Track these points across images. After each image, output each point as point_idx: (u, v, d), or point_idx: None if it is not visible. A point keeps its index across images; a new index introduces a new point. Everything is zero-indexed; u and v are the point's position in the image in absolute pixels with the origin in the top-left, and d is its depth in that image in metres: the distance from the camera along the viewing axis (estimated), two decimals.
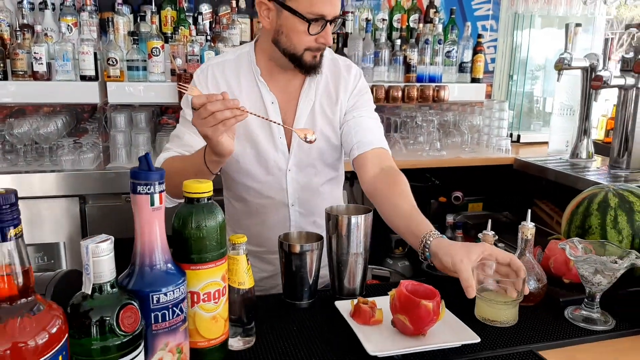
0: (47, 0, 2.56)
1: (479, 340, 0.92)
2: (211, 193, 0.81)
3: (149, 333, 0.72)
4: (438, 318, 0.92)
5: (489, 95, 3.47)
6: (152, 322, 0.72)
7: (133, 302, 0.66)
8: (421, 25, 3.06)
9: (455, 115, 3.12)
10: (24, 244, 0.56)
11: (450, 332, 0.95)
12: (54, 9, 2.59)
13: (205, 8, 2.85)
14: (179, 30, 2.67)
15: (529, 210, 1.11)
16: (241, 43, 2.86)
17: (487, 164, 2.79)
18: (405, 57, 2.98)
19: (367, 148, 1.31)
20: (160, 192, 0.72)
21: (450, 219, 2.78)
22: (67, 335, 0.59)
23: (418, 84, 2.97)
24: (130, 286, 0.72)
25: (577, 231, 1.21)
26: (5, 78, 2.44)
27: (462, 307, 1.03)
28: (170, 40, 2.68)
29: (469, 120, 3.04)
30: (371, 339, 0.92)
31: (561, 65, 2.38)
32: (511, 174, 2.75)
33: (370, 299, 1.01)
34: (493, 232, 1.19)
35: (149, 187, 0.71)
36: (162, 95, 2.54)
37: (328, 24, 1.19)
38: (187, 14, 2.81)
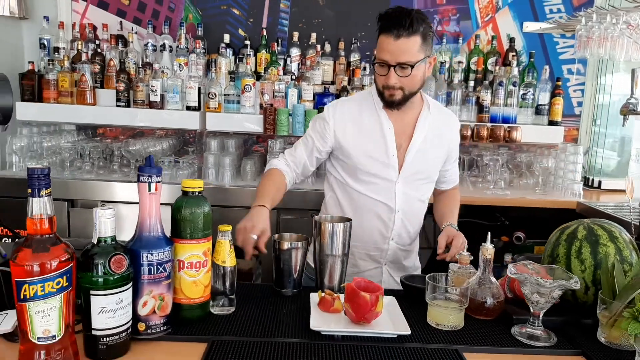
0: (166, 43, 3.13)
1: (409, 332, 1.09)
2: (201, 189, 1.10)
3: (139, 281, 1.02)
4: (376, 309, 1.10)
5: (574, 139, 3.41)
6: (141, 273, 1.02)
7: (122, 253, 0.96)
8: (497, 67, 3.16)
9: (530, 157, 3.13)
10: (50, 201, 0.89)
11: (389, 324, 1.13)
12: (171, 51, 3.15)
13: (294, 51, 3.24)
14: (269, 71, 3.08)
15: (489, 233, 1.24)
16: (323, 83, 3.20)
17: (551, 206, 2.77)
18: (478, 98, 3.10)
19: (447, 187, 1.86)
20: (157, 182, 1.03)
21: (508, 258, 2.79)
22: (71, 264, 0.90)
23: (489, 124, 3.06)
24: (129, 246, 1.02)
25: (547, 259, 1.30)
26: (128, 105, 3.01)
27: (419, 314, 1.19)
28: (261, 78, 3.10)
29: (542, 162, 3.03)
30: (320, 320, 1.13)
31: (626, 110, 2.35)
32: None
33: (336, 294, 1.22)
34: (468, 253, 1.32)
35: (148, 177, 1.02)
36: (251, 125, 2.95)
37: (391, 68, 1.49)
38: (279, 56, 3.22)
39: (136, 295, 1.02)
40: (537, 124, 3.13)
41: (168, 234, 1.08)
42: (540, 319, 1.14)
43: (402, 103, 1.58)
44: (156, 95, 3.00)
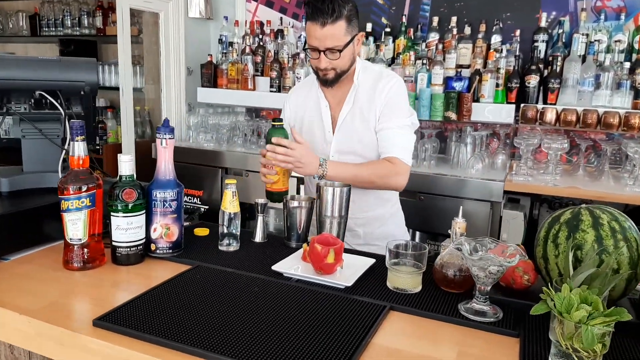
0: None
1: (348, 284, 1.20)
2: (282, 123, 1.58)
3: (151, 211, 1.36)
4: (326, 260, 1.24)
5: None
6: (152, 206, 1.35)
7: (132, 188, 1.30)
8: None
9: None
10: (84, 145, 1.27)
11: (341, 277, 1.25)
12: None
13: (432, 36, 3.27)
14: (401, 56, 3.19)
15: (461, 207, 1.23)
16: (458, 66, 3.17)
17: None
18: (633, 82, 2.70)
19: (382, 155, 1.76)
20: (167, 138, 1.34)
21: None
22: (95, 190, 1.28)
23: None
24: (148, 185, 1.36)
25: (536, 242, 1.22)
26: (279, 91, 3.47)
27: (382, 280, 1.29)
28: (392, 64, 3.23)
29: None
30: (287, 264, 1.32)
31: None
32: None
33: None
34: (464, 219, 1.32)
35: (161, 134, 1.34)
36: None
37: (321, 53, 1.63)
38: (418, 41, 3.29)
39: (150, 223, 1.37)
40: None
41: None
42: (485, 295, 1.12)
43: (335, 81, 1.71)
44: (300, 81, 3.39)
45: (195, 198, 3.59)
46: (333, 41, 1.61)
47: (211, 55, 3.70)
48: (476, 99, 2.99)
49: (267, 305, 1.12)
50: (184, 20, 3.71)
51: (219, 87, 3.65)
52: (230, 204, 1.43)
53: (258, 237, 1.55)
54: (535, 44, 2.96)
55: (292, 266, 1.32)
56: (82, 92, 1.52)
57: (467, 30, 3.21)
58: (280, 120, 1.62)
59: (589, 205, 1.16)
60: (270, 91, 3.50)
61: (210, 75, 3.68)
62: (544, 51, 2.96)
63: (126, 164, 1.31)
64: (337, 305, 1.14)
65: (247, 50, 3.59)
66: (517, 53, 3.00)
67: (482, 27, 3.13)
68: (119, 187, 1.30)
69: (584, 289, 0.93)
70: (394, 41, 3.36)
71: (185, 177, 3.51)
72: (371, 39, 3.41)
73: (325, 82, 1.73)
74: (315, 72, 1.73)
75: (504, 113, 2.91)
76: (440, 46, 3.14)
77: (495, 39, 3.13)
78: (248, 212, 3.57)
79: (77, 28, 4.14)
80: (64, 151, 1.56)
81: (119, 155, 1.32)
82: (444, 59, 3.13)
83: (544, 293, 0.94)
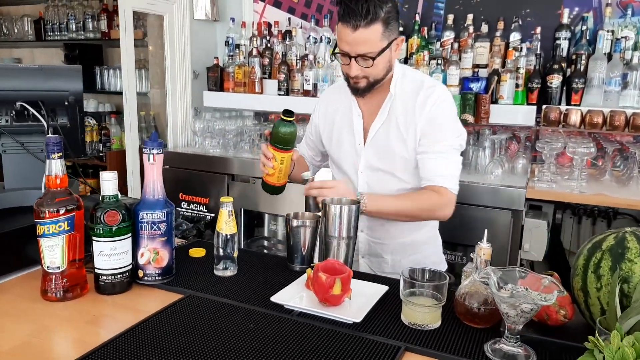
0: (324, 35, 3.34)
1: (357, 320, 1.05)
2: (292, 118, 1.43)
3: (138, 234, 1.22)
4: (332, 291, 1.09)
5: None
6: (139, 229, 1.22)
7: (116, 209, 1.17)
8: None
9: None
10: (61, 163, 1.14)
11: (349, 311, 1.10)
12: (328, 42, 3.34)
13: (447, 34, 3.11)
14: (414, 56, 3.04)
15: (486, 230, 1.08)
16: (474, 66, 3.00)
17: None
18: None
19: (425, 182, 1.54)
20: (155, 154, 1.21)
21: None
22: (74, 213, 1.15)
23: None
24: (134, 205, 1.23)
25: (574, 271, 1.06)
26: (287, 94, 3.33)
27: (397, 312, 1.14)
28: (405, 64, 3.07)
29: None
30: (288, 294, 1.17)
31: None
32: None
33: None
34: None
35: (148, 150, 1.21)
36: None
37: (352, 59, 1.42)
38: (432, 40, 3.14)
39: (137, 247, 1.23)
40: None
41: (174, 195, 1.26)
42: (516, 335, 0.96)
43: (367, 90, 1.50)
44: (309, 84, 3.25)
45: (201, 206, 3.49)
46: (366, 47, 1.39)
47: (217, 58, 3.58)
48: (495, 101, 2.83)
49: (264, 344, 0.98)
50: (189, 23, 3.59)
51: (226, 90, 3.52)
52: (226, 225, 1.30)
53: (313, 210, 1.46)
54: (557, 42, 2.78)
55: (294, 296, 1.18)
56: (66, 103, 1.39)
57: (484, 28, 3.04)
58: (291, 113, 1.44)
59: (635, 229, 1.01)
60: (278, 94, 3.37)
61: (217, 78, 3.56)
62: (566, 49, 2.78)
63: (109, 183, 1.18)
64: (344, 345, 1.00)
65: (254, 52, 3.46)
66: (538, 51, 2.82)
67: (500, 25, 2.96)
68: (101, 209, 1.17)
69: (638, 336, 0.77)
70: (407, 41, 3.20)
71: (191, 184, 3.44)
72: None
73: (356, 90, 1.52)
74: (346, 78, 1.53)
75: (525, 115, 2.74)
76: (455, 45, 2.98)
77: (514, 36, 2.95)
78: (256, 219, 3.47)
79: (82, 32, 4.05)
80: None
81: (100, 172, 1.19)
82: (459, 59, 2.97)
83: (590, 342, 0.79)
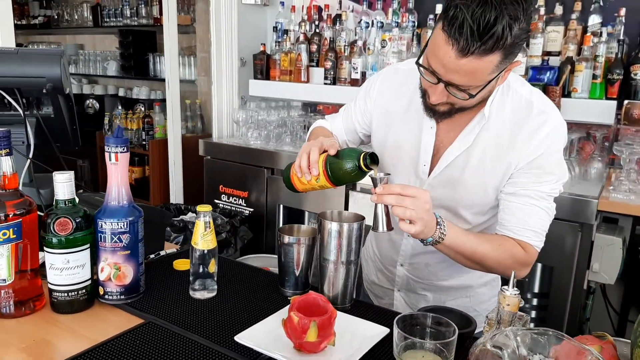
0: (376, 20, 3.07)
1: None
2: (375, 168, 1.04)
3: (98, 246, 1.06)
4: (306, 336, 0.86)
5: None
6: (99, 240, 1.05)
7: (68, 217, 1.01)
8: None
9: None
10: (10, 162, 0.99)
11: None
12: (381, 27, 3.06)
13: None
14: None
15: (513, 272, 0.80)
16: (545, 53, 2.61)
17: None
18: None
19: (506, 233, 1.14)
20: (117, 152, 1.03)
21: None
22: (21, 219, 1.00)
23: None
24: (97, 211, 1.06)
25: (635, 338, 0.76)
26: (334, 83, 3.10)
27: None
28: None
29: None
30: (261, 331, 0.96)
31: None
32: None
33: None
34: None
35: (109, 147, 1.03)
36: None
37: (441, 82, 1.00)
38: None
39: (98, 260, 1.07)
40: None
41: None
42: None
43: (447, 115, 1.10)
44: (357, 72, 3.00)
45: (240, 199, 3.35)
46: (468, 80, 0.98)
47: (264, 44, 3.40)
48: (567, 94, 2.43)
49: None
50: (237, 7, 3.43)
51: (272, 79, 3.35)
52: (202, 239, 1.10)
53: (381, 227, 1.03)
54: None
55: (267, 335, 0.96)
56: (44, 90, 1.25)
57: (559, 9, 2.62)
58: (375, 162, 1.05)
59: None
60: (325, 83, 3.14)
61: (263, 66, 3.39)
62: None
63: (63, 186, 1.02)
64: None
65: (302, 38, 3.24)
66: (621, 37, 2.38)
67: (577, 6, 2.54)
68: (52, 215, 1.01)
69: None
70: None
71: (231, 176, 3.30)
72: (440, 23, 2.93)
73: (432, 112, 1.11)
74: (423, 94, 1.11)
75: (602, 111, 2.32)
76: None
77: (594, 19, 2.52)
78: (297, 217, 3.24)
79: (135, 18, 4.02)
80: (28, 160, 1.31)
81: (53, 174, 1.03)
82: (527, 45, 2.58)
83: None
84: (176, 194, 3.37)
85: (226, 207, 3.17)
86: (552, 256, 2.21)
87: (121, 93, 4.39)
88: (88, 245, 1.05)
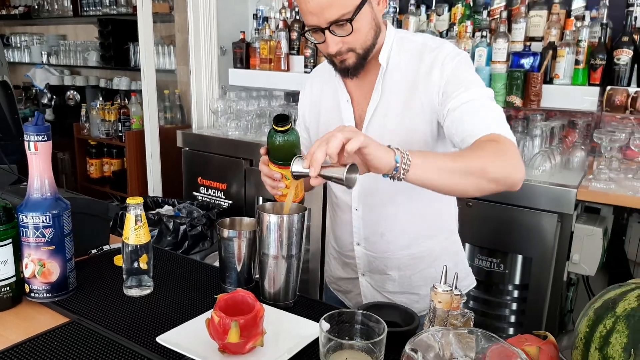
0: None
1: None
2: (288, 127, 1.02)
3: (21, 241, 0.99)
4: (227, 337, 0.80)
5: None
6: (21, 235, 0.99)
7: None
8: None
9: None
10: None
11: None
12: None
13: (497, 2, 2.65)
14: (455, 28, 2.62)
15: (445, 268, 0.73)
16: (528, 39, 2.53)
17: None
18: None
19: (470, 140, 1.05)
20: (37, 141, 0.96)
21: None
22: None
23: None
24: (19, 205, 1.00)
25: (573, 340, 0.69)
26: None
27: None
28: (444, 36, 2.66)
29: None
30: (185, 333, 0.89)
31: None
32: None
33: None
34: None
35: (28, 136, 0.96)
36: None
37: (324, 32, 1.06)
38: (480, 8, 2.69)
39: (21, 256, 1.00)
40: None
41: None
42: None
43: (360, 66, 1.14)
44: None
45: (219, 192, 3.28)
46: (336, 9, 1.03)
47: (244, 32, 3.32)
48: (548, 80, 2.35)
49: None
50: None
51: (252, 67, 3.27)
52: (133, 233, 1.03)
53: (345, 179, 0.90)
54: (630, 9, 2.24)
55: (191, 336, 0.89)
56: None
57: None
58: (286, 120, 1.03)
59: None
60: (305, 72, 3.06)
61: (243, 54, 3.31)
62: None
63: None
64: None
65: (281, 25, 3.16)
66: (605, 21, 2.30)
67: None
68: None
69: None
70: (449, 10, 2.77)
71: (209, 168, 3.22)
72: (423, 8, 2.85)
73: (346, 71, 1.15)
74: (331, 60, 1.17)
75: (585, 98, 2.25)
76: (505, 14, 2.51)
77: (578, 3, 2.44)
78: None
79: (115, 7, 3.93)
80: None
81: None
82: (509, 30, 2.50)
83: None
84: (154, 187, 3.30)
85: (205, 199, 3.11)
86: (531, 247, 2.15)
87: (102, 84, 4.31)
88: (10, 241, 0.99)
